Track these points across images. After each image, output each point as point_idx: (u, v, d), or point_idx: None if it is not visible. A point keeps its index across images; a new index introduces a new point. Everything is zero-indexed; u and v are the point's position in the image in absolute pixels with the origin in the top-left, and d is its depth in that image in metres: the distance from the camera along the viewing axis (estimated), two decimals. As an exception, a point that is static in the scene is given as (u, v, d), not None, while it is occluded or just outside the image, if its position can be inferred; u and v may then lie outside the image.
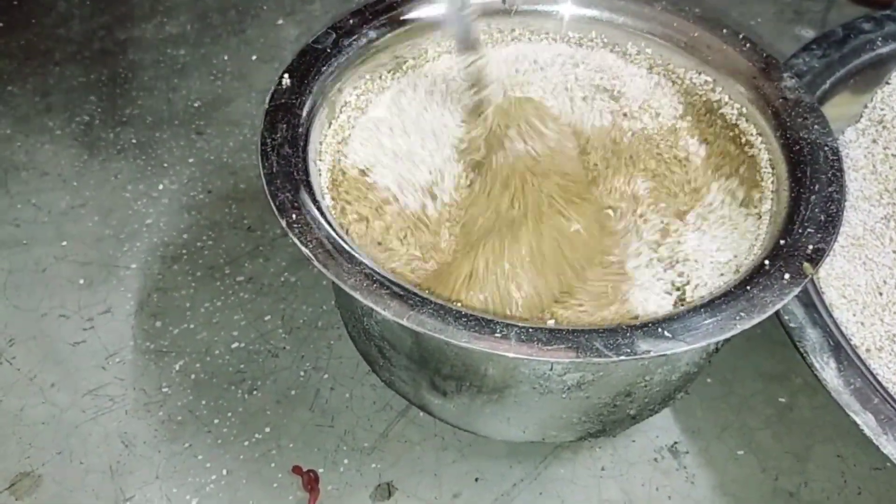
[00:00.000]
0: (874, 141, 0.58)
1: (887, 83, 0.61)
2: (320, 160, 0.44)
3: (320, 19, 0.74)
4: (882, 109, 0.60)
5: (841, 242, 0.52)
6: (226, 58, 0.70)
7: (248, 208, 0.58)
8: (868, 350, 0.47)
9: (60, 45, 0.70)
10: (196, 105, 0.65)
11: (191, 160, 0.61)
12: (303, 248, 0.37)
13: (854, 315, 0.49)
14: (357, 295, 0.36)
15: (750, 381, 0.51)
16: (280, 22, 0.73)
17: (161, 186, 0.59)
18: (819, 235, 0.39)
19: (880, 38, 0.61)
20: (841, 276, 0.51)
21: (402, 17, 0.49)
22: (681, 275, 0.42)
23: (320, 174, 0.44)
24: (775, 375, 0.51)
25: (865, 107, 0.60)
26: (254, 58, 0.70)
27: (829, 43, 0.60)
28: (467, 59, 0.46)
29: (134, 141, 0.62)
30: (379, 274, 0.37)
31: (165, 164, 0.61)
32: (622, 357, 0.34)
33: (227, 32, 0.72)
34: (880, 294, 0.50)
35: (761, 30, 0.75)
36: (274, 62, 0.69)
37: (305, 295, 0.54)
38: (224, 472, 0.46)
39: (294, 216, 0.39)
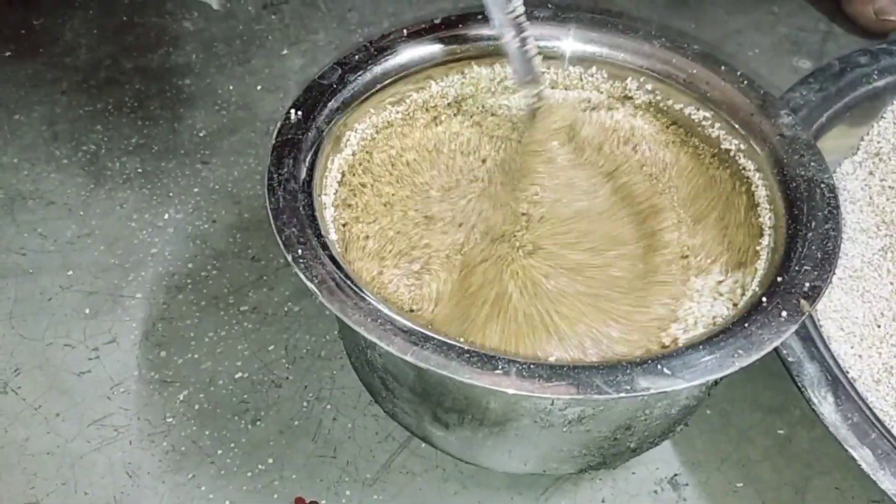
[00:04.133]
0: (871, 173, 0.59)
1: (883, 117, 0.62)
2: (325, 194, 0.45)
3: (324, 49, 0.75)
4: (879, 142, 0.60)
5: (839, 275, 0.53)
6: (231, 87, 0.70)
7: (253, 238, 0.59)
8: (865, 383, 0.48)
9: (67, 74, 0.71)
10: (201, 135, 0.66)
11: (196, 189, 0.62)
12: (308, 284, 0.38)
13: (852, 347, 0.49)
14: (361, 330, 0.37)
15: (749, 413, 0.51)
16: (285, 52, 0.74)
17: (166, 216, 0.60)
18: (816, 273, 0.40)
19: (876, 72, 0.62)
20: (839, 309, 0.51)
21: (405, 53, 0.50)
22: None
23: (325, 208, 0.44)
24: (774, 407, 0.51)
25: (862, 139, 0.61)
26: (258, 88, 0.70)
27: (826, 76, 0.61)
28: (529, 92, 0.47)
29: (140, 170, 0.63)
30: (383, 309, 0.38)
31: (171, 194, 0.62)
32: (622, 394, 0.35)
33: (232, 62, 0.73)
34: (878, 326, 0.51)
35: (758, 61, 0.76)
36: (278, 92, 0.70)
37: (309, 325, 0.54)
38: (227, 503, 0.46)
39: (300, 251, 0.39)
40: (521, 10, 0.45)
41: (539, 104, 0.48)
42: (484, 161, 0.50)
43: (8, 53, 0.72)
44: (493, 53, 0.51)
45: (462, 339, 0.40)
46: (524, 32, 0.45)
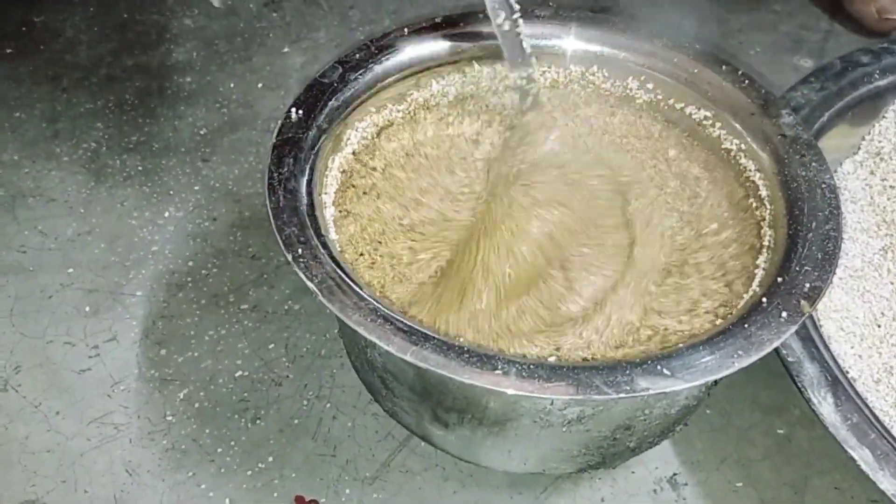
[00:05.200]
0: (872, 173, 0.59)
1: (884, 116, 0.61)
2: (325, 193, 0.45)
3: (325, 47, 0.75)
4: (880, 142, 0.60)
5: (839, 274, 0.53)
6: (232, 85, 0.70)
7: (253, 236, 0.59)
8: (865, 383, 0.48)
9: (68, 72, 0.71)
10: (202, 132, 0.66)
11: (196, 187, 0.62)
12: (308, 283, 0.38)
13: (852, 347, 0.49)
14: (361, 330, 0.37)
15: (748, 413, 0.51)
16: (286, 50, 0.74)
17: (167, 214, 0.60)
18: (816, 273, 0.40)
19: (878, 71, 0.62)
20: (839, 309, 0.51)
21: (406, 51, 0.50)
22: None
23: (325, 207, 0.44)
24: (774, 407, 0.51)
25: (863, 139, 0.61)
26: (259, 85, 0.70)
27: (827, 76, 0.61)
28: (520, 74, 0.47)
29: (140, 168, 0.63)
30: (383, 309, 0.38)
31: (171, 192, 0.62)
32: (621, 395, 0.35)
33: (233, 60, 0.73)
34: (878, 326, 0.51)
35: (760, 60, 0.76)
36: (279, 90, 0.70)
37: (309, 323, 0.54)
38: (227, 501, 0.46)
39: (300, 250, 0.39)
40: None
41: (530, 87, 0.48)
42: (484, 159, 0.50)
43: (9, 50, 0.72)
44: (494, 52, 0.51)
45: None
46: (516, 14, 0.46)
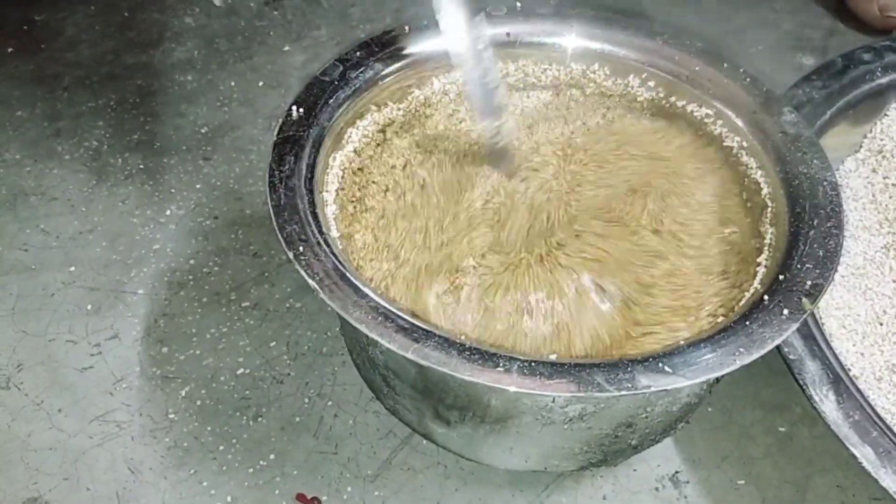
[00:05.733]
0: (874, 171, 0.59)
1: (886, 114, 0.61)
2: (326, 191, 0.45)
3: (326, 45, 0.75)
4: (882, 140, 0.60)
5: (841, 272, 0.53)
6: (233, 84, 0.70)
7: (254, 234, 0.59)
8: (867, 381, 0.47)
9: (69, 70, 0.71)
10: (203, 131, 0.66)
11: (198, 186, 0.62)
12: (310, 281, 0.38)
13: (854, 345, 0.49)
14: (363, 328, 0.37)
15: (750, 411, 0.51)
16: (286, 48, 0.74)
17: (168, 212, 0.60)
18: (818, 271, 0.40)
19: (880, 69, 0.62)
20: (841, 307, 0.51)
21: (407, 49, 0.50)
22: None
23: (326, 204, 0.44)
24: (775, 405, 0.51)
25: (865, 137, 0.61)
26: (260, 84, 0.70)
27: (829, 73, 0.61)
28: (490, 125, 0.45)
29: (142, 166, 0.63)
30: (384, 306, 0.38)
31: (173, 190, 0.62)
32: (623, 392, 0.35)
33: (233, 58, 0.73)
34: (880, 324, 0.51)
35: (761, 58, 0.76)
36: (280, 88, 0.70)
37: (310, 321, 0.54)
38: (229, 499, 0.46)
39: (301, 248, 0.39)
40: (486, 40, 0.43)
41: (499, 141, 0.46)
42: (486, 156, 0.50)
43: (10, 49, 0.72)
44: (497, 50, 0.51)
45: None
46: (485, 63, 0.43)
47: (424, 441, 0.48)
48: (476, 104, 0.45)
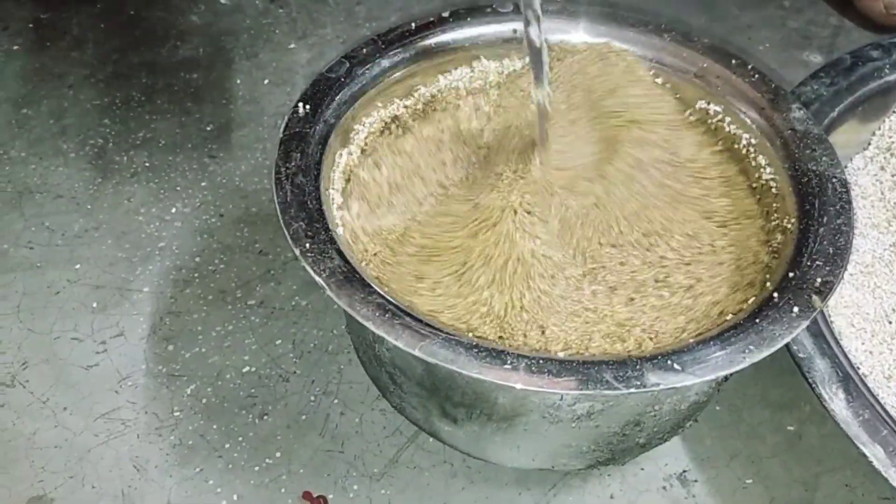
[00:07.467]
0: (882, 168, 0.59)
1: (895, 111, 0.61)
2: (333, 188, 0.45)
3: (332, 43, 0.74)
4: (890, 137, 0.60)
5: (850, 270, 0.52)
6: (238, 82, 0.70)
7: (260, 232, 0.59)
8: (876, 379, 0.47)
9: (74, 69, 0.71)
10: (209, 129, 0.66)
11: (203, 184, 0.62)
12: (316, 278, 0.38)
13: (863, 343, 0.49)
14: (369, 325, 0.37)
15: (759, 409, 0.51)
16: (292, 46, 0.74)
17: (174, 210, 0.60)
18: (827, 268, 0.39)
19: (888, 66, 0.62)
20: (850, 305, 0.51)
21: (412, 46, 0.50)
22: None
23: (333, 201, 0.44)
24: (784, 403, 0.51)
25: (874, 134, 0.61)
26: (266, 82, 0.70)
27: (837, 70, 0.61)
28: (538, 92, 0.45)
29: (147, 164, 0.63)
30: (391, 303, 0.37)
31: (178, 188, 0.62)
32: (631, 390, 0.35)
33: (239, 56, 0.73)
34: (889, 322, 0.50)
35: (769, 55, 0.75)
36: (286, 86, 0.70)
37: (316, 319, 0.54)
38: (235, 497, 0.46)
39: (308, 245, 0.39)
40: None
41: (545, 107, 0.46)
42: (489, 152, 0.49)
43: (15, 47, 0.72)
44: (501, 48, 0.51)
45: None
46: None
47: (431, 439, 0.48)
48: (534, 72, 0.44)
